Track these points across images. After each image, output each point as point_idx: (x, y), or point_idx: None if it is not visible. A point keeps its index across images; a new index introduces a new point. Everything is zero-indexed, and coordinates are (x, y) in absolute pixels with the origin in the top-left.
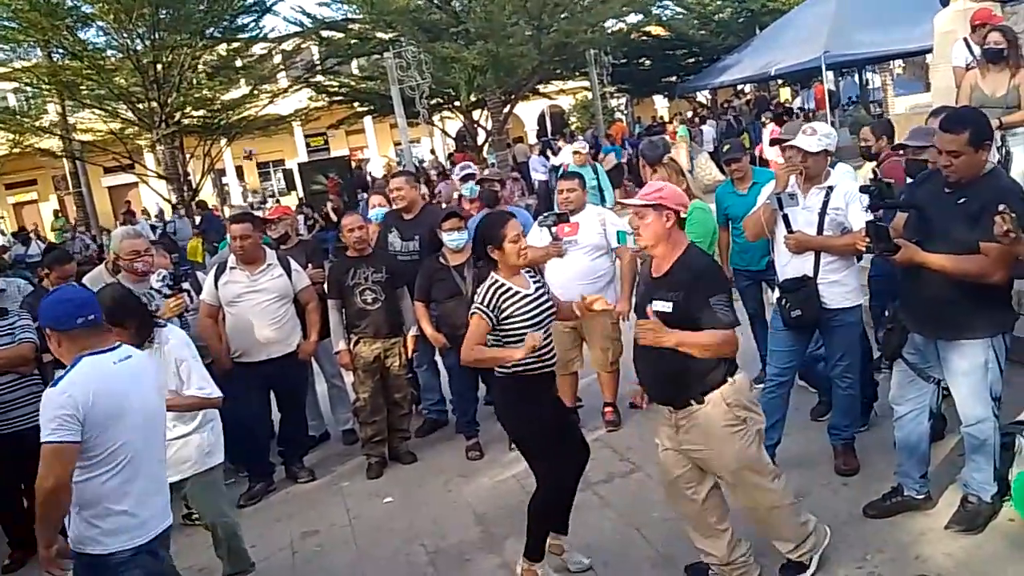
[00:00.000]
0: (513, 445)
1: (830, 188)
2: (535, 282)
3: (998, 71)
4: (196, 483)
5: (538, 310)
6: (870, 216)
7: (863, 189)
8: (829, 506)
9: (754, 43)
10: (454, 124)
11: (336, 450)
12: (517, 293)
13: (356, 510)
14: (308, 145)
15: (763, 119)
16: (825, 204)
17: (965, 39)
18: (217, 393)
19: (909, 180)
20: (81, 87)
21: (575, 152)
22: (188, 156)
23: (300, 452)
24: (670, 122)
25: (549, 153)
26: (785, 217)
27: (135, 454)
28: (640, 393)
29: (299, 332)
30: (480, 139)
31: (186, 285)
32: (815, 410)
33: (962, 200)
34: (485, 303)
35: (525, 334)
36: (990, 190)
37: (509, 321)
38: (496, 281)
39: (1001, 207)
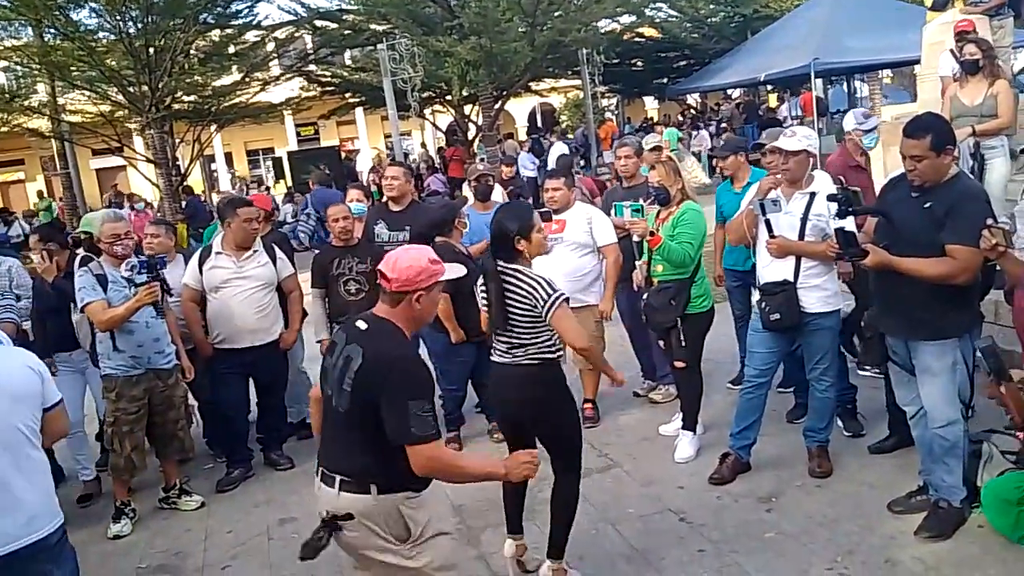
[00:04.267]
0: (497, 434)
1: (813, 194)
2: None
3: (976, 81)
4: None
5: None
6: (839, 223)
7: (831, 198)
8: (803, 507)
9: (745, 48)
10: (445, 118)
11: (314, 438)
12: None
13: None
14: (299, 134)
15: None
16: (807, 210)
17: (951, 50)
18: None
19: None
20: (72, 68)
21: (653, 148)
22: (178, 141)
23: (279, 439)
24: (657, 124)
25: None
26: (767, 222)
27: None
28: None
29: (282, 321)
30: (471, 134)
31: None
32: (791, 412)
33: (927, 204)
34: (552, 291)
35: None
36: (954, 193)
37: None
38: (539, 273)
39: (989, 221)
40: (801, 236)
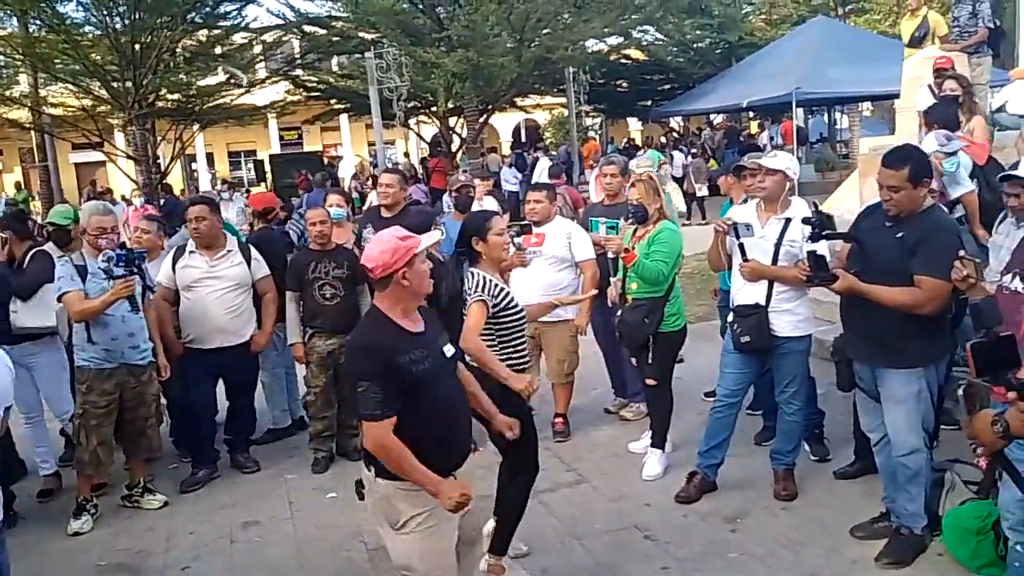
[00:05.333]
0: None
1: (788, 219)
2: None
3: None
4: None
5: (521, 312)
6: (811, 246)
7: (805, 220)
8: (767, 529)
9: (729, 74)
10: (430, 129)
11: (283, 442)
12: (507, 292)
13: (299, 503)
14: (282, 138)
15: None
16: (782, 235)
17: (930, 85)
18: None
19: None
20: (56, 61)
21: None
22: (159, 139)
23: (246, 442)
24: (642, 147)
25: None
26: (740, 245)
27: None
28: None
29: (254, 323)
30: (454, 146)
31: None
32: (759, 435)
33: (900, 234)
34: (485, 291)
35: (513, 332)
36: (927, 224)
37: (503, 316)
38: (486, 276)
39: (961, 253)
40: (774, 261)
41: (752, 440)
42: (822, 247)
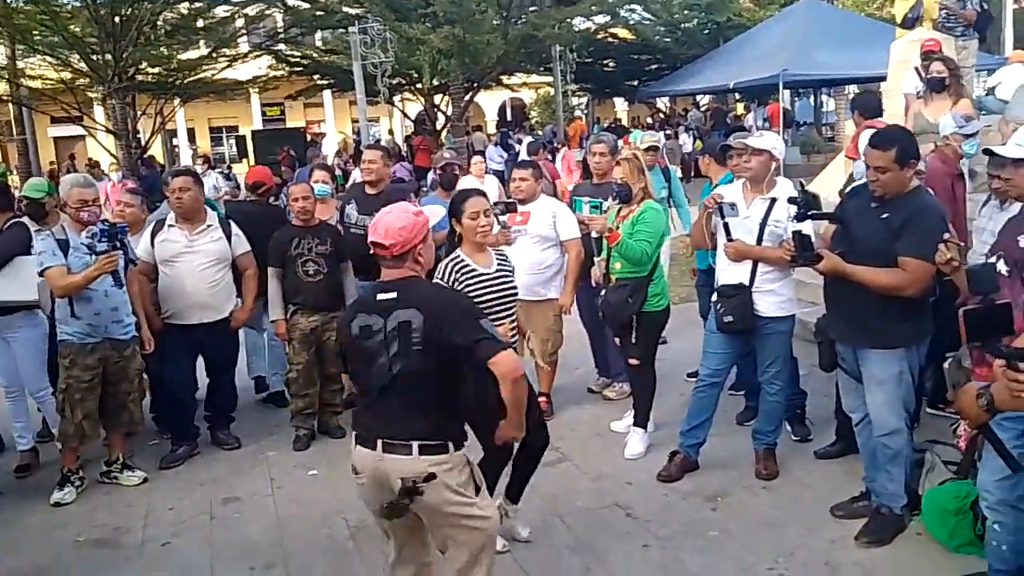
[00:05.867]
0: None
1: (773, 200)
2: (501, 265)
3: (941, 99)
4: None
5: (494, 292)
6: (796, 226)
7: (791, 200)
8: (747, 508)
9: (716, 54)
10: (414, 107)
11: (264, 420)
12: (474, 271)
13: (280, 480)
14: (264, 114)
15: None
16: (767, 215)
17: (916, 68)
18: None
19: None
20: (34, 32)
21: (648, 148)
22: (140, 114)
23: (227, 419)
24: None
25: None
26: (725, 225)
27: None
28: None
29: (234, 299)
30: (439, 124)
31: (127, 241)
32: (741, 415)
33: (885, 215)
34: (443, 278)
35: (489, 310)
36: (912, 206)
37: (474, 296)
38: (456, 257)
39: (946, 236)
40: (759, 241)
41: (734, 420)
42: (807, 227)
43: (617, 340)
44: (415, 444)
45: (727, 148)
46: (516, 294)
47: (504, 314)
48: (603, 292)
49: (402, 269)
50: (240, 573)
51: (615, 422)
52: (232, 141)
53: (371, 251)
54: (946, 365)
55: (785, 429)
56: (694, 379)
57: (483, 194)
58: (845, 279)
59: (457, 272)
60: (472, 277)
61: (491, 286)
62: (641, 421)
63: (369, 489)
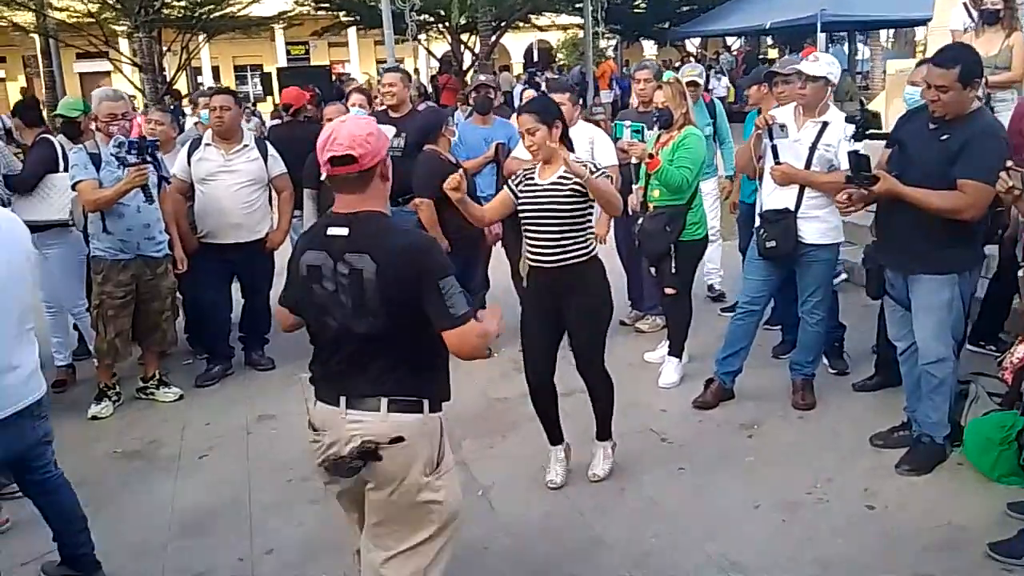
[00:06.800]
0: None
1: (825, 123)
2: (562, 179)
3: (993, 32)
4: None
5: (534, 203)
6: (853, 146)
7: (849, 119)
8: (784, 437)
9: None
10: (440, 48)
11: (298, 342)
12: (529, 181)
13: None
14: (288, 53)
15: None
16: (817, 139)
17: (964, 3)
18: None
19: None
20: None
21: (689, 83)
22: (165, 50)
23: (261, 340)
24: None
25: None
26: (773, 148)
27: None
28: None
29: (269, 220)
30: (466, 64)
31: (160, 157)
32: (777, 348)
33: (945, 137)
34: (514, 181)
35: (523, 220)
36: (973, 128)
37: (520, 201)
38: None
39: (1009, 164)
40: (808, 165)
41: (770, 354)
42: (864, 147)
43: (652, 270)
44: (384, 400)
45: (773, 75)
46: (566, 209)
47: (542, 225)
48: (640, 220)
49: (363, 195)
50: (277, 485)
51: (648, 353)
52: (257, 80)
53: (325, 175)
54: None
55: (822, 363)
56: (729, 314)
57: (534, 112)
58: (899, 203)
59: (523, 175)
60: (527, 185)
61: (535, 197)
62: (676, 351)
63: (326, 450)
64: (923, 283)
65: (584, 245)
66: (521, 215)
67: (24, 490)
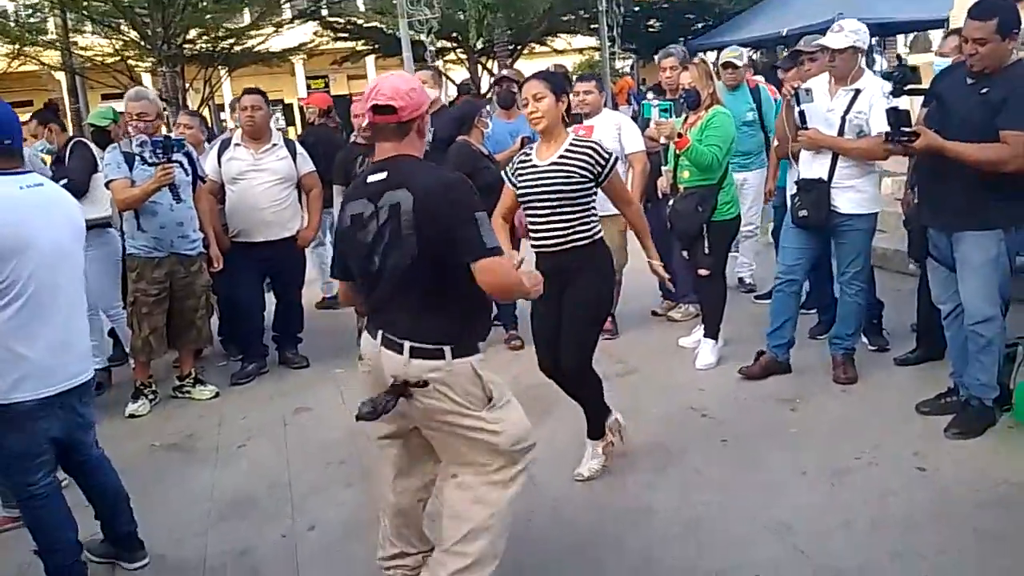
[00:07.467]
0: (514, 342)
1: (857, 91)
2: (564, 158)
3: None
4: None
5: (533, 186)
6: (893, 102)
7: (886, 76)
8: (827, 408)
9: (767, 4)
10: (459, 74)
11: (332, 340)
12: (526, 163)
13: (349, 394)
14: (309, 86)
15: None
16: (849, 106)
17: None
18: None
19: None
20: (83, 1)
21: (725, 64)
22: (187, 86)
23: (294, 339)
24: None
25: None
26: (801, 113)
27: (41, 293)
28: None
29: (299, 218)
30: (484, 87)
31: (178, 157)
32: (814, 329)
33: (984, 90)
34: (511, 169)
35: (523, 204)
36: (1014, 79)
37: (519, 185)
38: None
39: None
40: (840, 134)
41: (807, 334)
42: (904, 103)
43: (685, 253)
44: (407, 345)
45: (798, 53)
46: (567, 190)
47: (543, 208)
48: (671, 202)
49: (400, 144)
50: (316, 469)
51: (683, 338)
52: (279, 113)
53: (366, 122)
54: None
55: (861, 340)
56: (762, 302)
57: (543, 79)
58: (939, 159)
59: (518, 160)
60: (525, 168)
61: (534, 179)
62: (711, 332)
63: (369, 379)
64: (967, 240)
65: (587, 227)
66: (521, 199)
67: (68, 471)
